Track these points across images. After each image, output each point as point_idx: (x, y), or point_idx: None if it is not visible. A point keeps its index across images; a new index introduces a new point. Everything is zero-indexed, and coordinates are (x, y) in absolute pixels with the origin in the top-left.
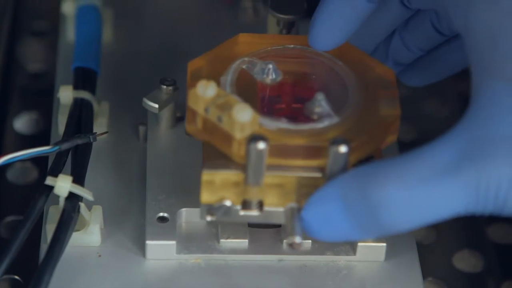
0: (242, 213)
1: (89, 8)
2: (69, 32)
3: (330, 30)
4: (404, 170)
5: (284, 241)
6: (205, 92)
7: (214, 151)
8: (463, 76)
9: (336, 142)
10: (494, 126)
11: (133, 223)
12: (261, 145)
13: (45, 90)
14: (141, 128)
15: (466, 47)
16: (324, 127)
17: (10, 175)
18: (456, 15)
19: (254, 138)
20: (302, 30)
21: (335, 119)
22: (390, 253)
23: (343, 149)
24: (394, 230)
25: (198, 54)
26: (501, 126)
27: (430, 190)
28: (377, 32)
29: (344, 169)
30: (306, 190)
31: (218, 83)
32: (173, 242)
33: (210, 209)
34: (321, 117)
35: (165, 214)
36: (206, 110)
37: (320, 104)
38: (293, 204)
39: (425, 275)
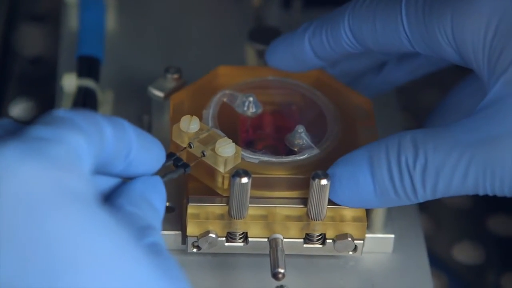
0: (227, 244)
1: None
2: (72, 20)
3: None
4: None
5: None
6: (188, 127)
7: (198, 184)
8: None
9: (318, 176)
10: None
11: None
12: (244, 179)
13: (43, 77)
14: (145, 118)
15: (460, 57)
16: (304, 158)
17: None
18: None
19: (238, 172)
20: None
21: (315, 151)
22: (397, 245)
23: (324, 182)
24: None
25: (203, 42)
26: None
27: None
28: (359, 68)
29: (326, 199)
30: (289, 220)
31: (200, 117)
32: (179, 232)
33: (196, 241)
34: (301, 149)
35: (171, 204)
36: (189, 144)
37: (301, 136)
38: (276, 235)
39: None
